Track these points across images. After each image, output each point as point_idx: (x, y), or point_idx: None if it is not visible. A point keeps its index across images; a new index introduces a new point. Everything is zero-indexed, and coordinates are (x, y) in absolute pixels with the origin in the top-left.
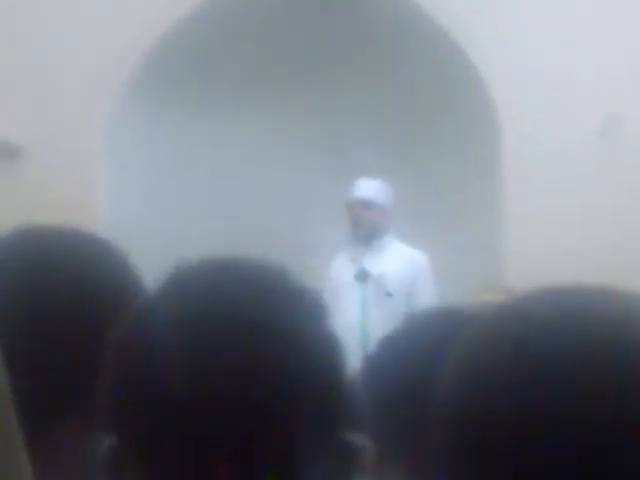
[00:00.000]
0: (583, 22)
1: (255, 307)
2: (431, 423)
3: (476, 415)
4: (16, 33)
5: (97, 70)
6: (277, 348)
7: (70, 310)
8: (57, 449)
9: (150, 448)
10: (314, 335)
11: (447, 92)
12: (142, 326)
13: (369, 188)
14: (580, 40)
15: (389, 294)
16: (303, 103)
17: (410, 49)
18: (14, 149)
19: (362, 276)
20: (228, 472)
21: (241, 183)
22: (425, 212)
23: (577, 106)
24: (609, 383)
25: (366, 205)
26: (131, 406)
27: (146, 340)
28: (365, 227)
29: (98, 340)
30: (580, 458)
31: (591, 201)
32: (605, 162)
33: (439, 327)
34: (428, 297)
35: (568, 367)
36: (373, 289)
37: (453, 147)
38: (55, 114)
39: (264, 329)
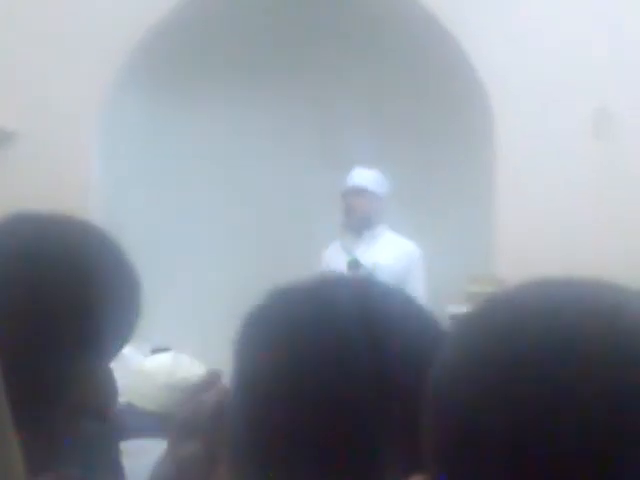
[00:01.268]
0: (577, 14)
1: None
2: (423, 415)
3: (467, 407)
4: (10, 18)
5: (91, 55)
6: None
7: (58, 298)
8: (47, 435)
9: None
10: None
11: (441, 86)
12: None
13: (362, 177)
14: (573, 34)
15: None
16: (296, 88)
17: (405, 39)
18: (6, 134)
19: (354, 266)
20: None
21: (238, 168)
22: (416, 201)
23: (569, 99)
24: (598, 376)
25: (359, 193)
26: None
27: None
28: (357, 215)
29: (87, 329)
30: (564, 452)
31: (583, 193)
32: (597, 154)
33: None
34: (419, 290)
35: (558, 360)
36: None
37: (446, 139)
38: (48, 99)
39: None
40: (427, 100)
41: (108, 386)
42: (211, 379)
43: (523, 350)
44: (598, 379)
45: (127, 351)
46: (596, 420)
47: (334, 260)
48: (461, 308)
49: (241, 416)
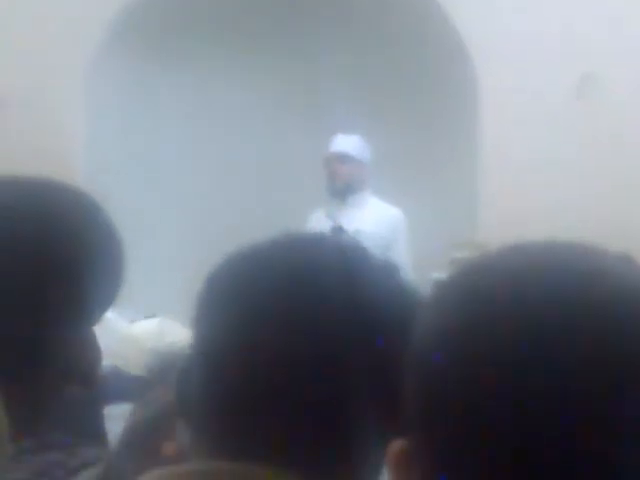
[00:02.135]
0: None
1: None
2: (404, 380)
3: (446, 371)
4: None
5: (76, 21)
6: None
7: (41, 260)
8: (31, 400)
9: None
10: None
11: (425, 51)
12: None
13: (345, 142)
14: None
15: None
16: (281, 59)
17: (389, 6)
18: None
19: (337, 232)
20: None
21: (222, 135)
22: (399, 167)
23: (554, 64)
24: (579, 338)
25: (342, 159)
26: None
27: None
28: (341, 181)
29: (71, 292)
30: (536, 416)
31: (567, 158)
32: (582, 119)
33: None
34: (403, 256)
35: (537, 323)
36: None
37: (430, 105)
38: (32, 65)
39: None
40: (410, 65)
41: (92, 351)
42: None
43: (502, 313)
44: (579, 342)
45: (112, 316)
46: (575, 383)
47: (317, 227)
48: (446, 274)
49: (206, 387)
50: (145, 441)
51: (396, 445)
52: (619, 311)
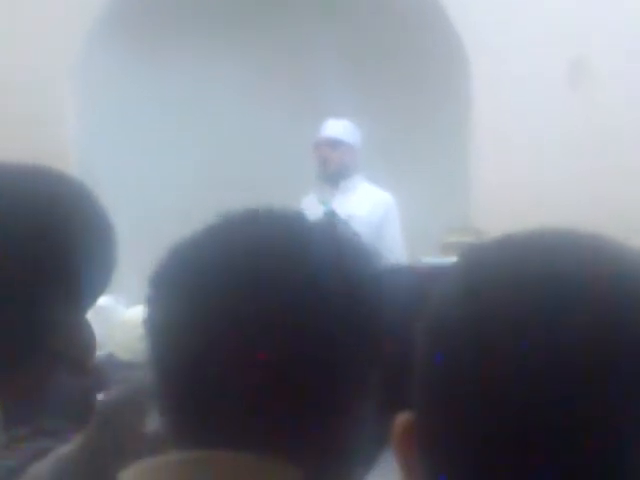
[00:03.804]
0: None
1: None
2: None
3: (451, 350)
4: None
5: (68, 6)
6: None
7: (35, 247)
8: (25, 387)
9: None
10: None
11: (417, 35)
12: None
13: (336, 128)
14: None
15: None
16: (272, 45)
17: None
18: None
19: (330, 217)
20: None
21: (212, 121)
22: (392, 152)
23: (545, 50)
24: (602, 322)
25: (333, 144)
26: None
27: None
28: (332, 167)
29: (64, 279)
30: (567, 407)
31: (559, 143)
32: (574, 104)
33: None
34: (395, 240)
35: (547, 304)
36: None
37: (422, 89)
38: (24, 52)
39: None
40: (402, 50)
41: (86, 337)
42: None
43: (513, 296)
44: (602, 326)
45: (107, 303)
46: (598, 367)
47: (310, 212)
48: (437, 259)
49: (165, 386)
50: (121, 416)
51: (401, 418)
52: (630, 293)
